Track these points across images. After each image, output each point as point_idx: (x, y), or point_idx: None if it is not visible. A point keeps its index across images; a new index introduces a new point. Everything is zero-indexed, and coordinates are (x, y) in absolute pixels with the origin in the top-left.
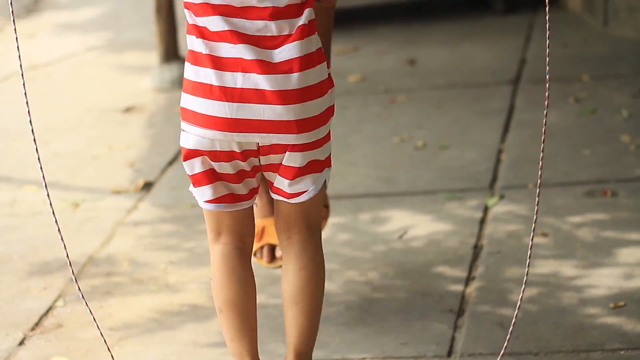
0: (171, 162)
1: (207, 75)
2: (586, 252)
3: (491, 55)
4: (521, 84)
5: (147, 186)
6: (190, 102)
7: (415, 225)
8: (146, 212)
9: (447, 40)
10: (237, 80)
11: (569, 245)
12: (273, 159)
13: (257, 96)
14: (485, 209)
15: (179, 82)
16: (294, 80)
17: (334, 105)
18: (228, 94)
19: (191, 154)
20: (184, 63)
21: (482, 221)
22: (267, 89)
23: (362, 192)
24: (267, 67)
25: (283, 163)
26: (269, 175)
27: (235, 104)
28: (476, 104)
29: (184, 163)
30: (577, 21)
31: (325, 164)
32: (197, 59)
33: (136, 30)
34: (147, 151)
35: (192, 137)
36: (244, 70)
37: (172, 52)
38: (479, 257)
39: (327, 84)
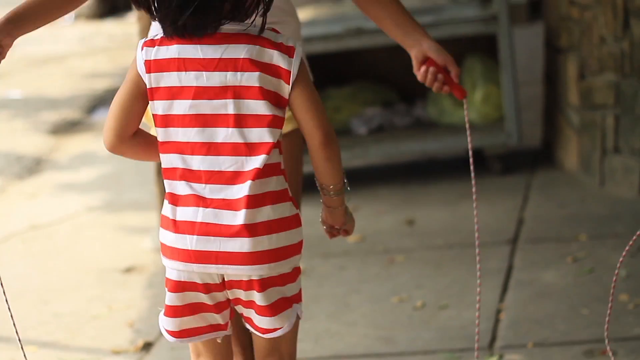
0: None
1: (170, 210)
2: None
3: (489, 215)
4: (519, 244)
5: (147, 346)
6: (161, 235)
7: None
8: None
9: (445, 201)
10: (198, 214)
11: None
12: (238, 293)
13: (214, 230)
14: None
15: None
16: (243, 216)
17: (298, 244)
18: (188, 227)
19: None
20: None
21: None
22: (223, 223)
23: (361, 352)
24: (222, 204)
25: (254, 300)
26: (240, 308)
27: (195, 237)
28: (474, 264)
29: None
30: (573, 181)
31: (294, 299)
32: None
33: (136, 191)
34: (147, 311)
35: (167, 269)
36: (204, 206)
37: None
38: None
39: (287, 223)
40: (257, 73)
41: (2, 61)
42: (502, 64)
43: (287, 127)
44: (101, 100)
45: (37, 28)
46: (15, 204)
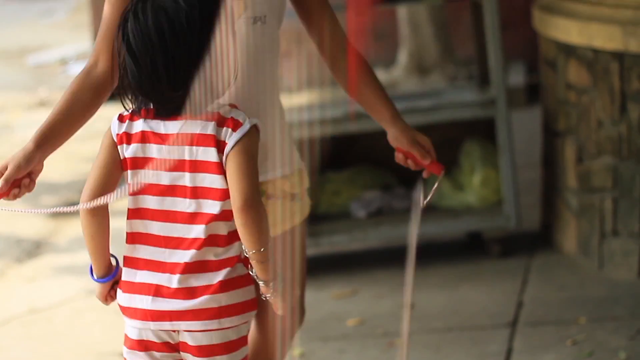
0: None
1: (129, 273)
2: None
3: (488, 298)
4: (519, 327)
5: None
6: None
7: None
8: None
9: (444, 284)
10: (155, 277)
11: None
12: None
13: (169, 292)
14: None
15: None
16: (193, 279)
17: (250, 301)
18: (145, 289)
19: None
20: None
21: None
22: (178, 286)
23: None
24: (177, 267)
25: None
26: None
27: (151, 297)
28: (474, 347)
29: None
30: (572, 264)
31: None
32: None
33: None
34: None
35: (128, 328)
36: (162, 270)
37: None
38: None
39: (239, 282)
40: (205, 148)
41: (2, 149)
42: (501, 147)
43: (291, 222)
44: None
45: (60, 145)
46: (14, 288)
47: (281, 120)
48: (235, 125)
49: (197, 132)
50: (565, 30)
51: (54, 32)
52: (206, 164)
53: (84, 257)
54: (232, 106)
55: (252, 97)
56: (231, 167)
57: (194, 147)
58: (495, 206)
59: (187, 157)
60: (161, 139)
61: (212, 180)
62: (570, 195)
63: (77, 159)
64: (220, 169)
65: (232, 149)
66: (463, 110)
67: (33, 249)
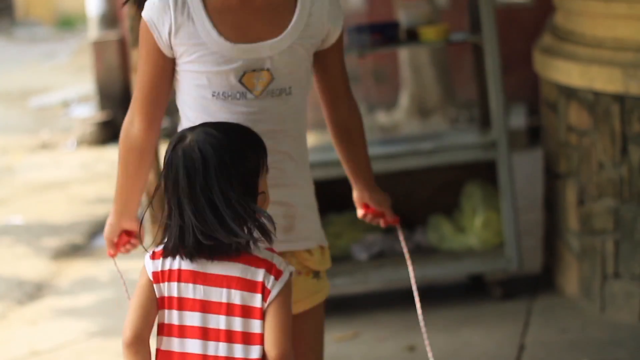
0: None
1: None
2: None
3: (490, 341)
4: None
5: None
6: None
7: None
8: None
9: (446, 326)
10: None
11: None
12: None
13: None
14: None
15: None
16: None
17: None
18: None
19: None
20: None
21: None
22: None
23: None
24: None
25: None
26: None
27: None
28: None
29: None
30: (574, 307)
31: None
32: None
33: None
34: None
35: None
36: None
37: None
38: None
39: None
40: (251, 294)
41: (4, 191)
42: (502, 190)
43: (312, 301)
44: (102, 226)
45: (135, 203)
46: (15, 330)
47: (307, 191)
48: (278, 274)
49: (238, 275)
50: (566, 73)
51: (56, 74)
52: (249, 309)
53: (85, 300)
54: (270, 250)
55: (276, 164)
56: (272, 319)
57: (232, 290)
58: (496, 248)
59: (224, 300)
60: (200, 278)
61: (254, 325)
62: (571, 237)
63: (78, 200)
64: (262, 315)
65: (275, 298)
66: (464, 152)
67: (34, 291)
